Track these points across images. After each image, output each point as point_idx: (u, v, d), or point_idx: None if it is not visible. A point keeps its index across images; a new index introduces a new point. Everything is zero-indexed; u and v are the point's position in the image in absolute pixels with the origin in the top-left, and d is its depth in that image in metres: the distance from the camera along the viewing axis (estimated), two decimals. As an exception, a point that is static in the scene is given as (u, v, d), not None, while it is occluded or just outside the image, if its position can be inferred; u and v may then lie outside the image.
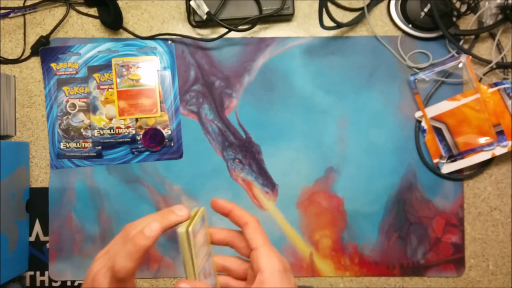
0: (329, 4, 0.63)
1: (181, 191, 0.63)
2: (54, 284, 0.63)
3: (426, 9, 0.60)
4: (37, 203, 0.63)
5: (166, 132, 0.63)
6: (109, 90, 0.63)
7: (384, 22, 0.63)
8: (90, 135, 0.63)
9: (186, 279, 0.36)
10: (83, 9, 0.64)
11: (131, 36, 0.63)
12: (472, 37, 0.62)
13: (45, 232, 0.63)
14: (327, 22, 0.59)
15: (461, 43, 0.62)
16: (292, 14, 0.62)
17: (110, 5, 0.59)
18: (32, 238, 0.63)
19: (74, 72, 0.63)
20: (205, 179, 0.63)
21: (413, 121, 0.62)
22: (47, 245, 0.63)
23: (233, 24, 0.60)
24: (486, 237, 0.62)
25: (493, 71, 0.62)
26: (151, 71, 0.63)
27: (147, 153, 0.63)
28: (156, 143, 0.62)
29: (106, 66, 0.63)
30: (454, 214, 0.62)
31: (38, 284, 0.63)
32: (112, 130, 0.63)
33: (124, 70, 0.63)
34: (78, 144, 0.63)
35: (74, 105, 0.63)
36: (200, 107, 0.63)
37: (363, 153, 0.62)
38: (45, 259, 0.63)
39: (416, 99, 0.62)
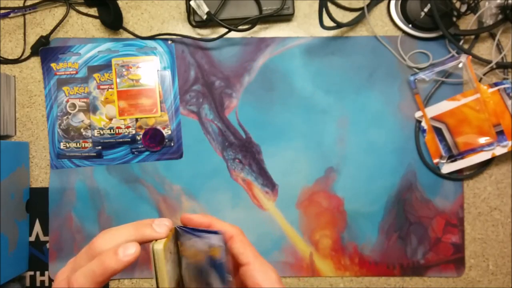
0: (329, 4, 0.63)
1: (181, 191, 0.63)
2: (54, 284, 0.63)
3: (426, 9, 0.60)
4: (37, 203, 0.63)
5: (166, 132, 0.63)
6: (109, 90, 0.63)
7: (384, 22, 0.63)
8: (90, 135, 0.63)
9: None
10: (83, 9, 0.64)
11: (131, 36, 0.63)
12: (472, 37, 0.62)
13: (45, 232, 0.63)
14: (327, 22, 0.59)
15: (461, 43, 0.62)
16: (292, 14, 0.62)
17: (110, 5, 0.59)
18: (32, 238, 0.63)
19: (74, 72, 0.63)
20: (205, 179, 0.63)
21: (413, 121, 0.62)
22: (47, 245, 0.63)
23: (233, 24, 0.60)
24: (486, 237, 0.62)
25: (493, 71, 0.62)
26: (151, 71, 0.63)
27: (147, 153, 0.63)
28: (156, 143, 0.62)
29: (106, 66, 0.63)
30: (454, 214, 0.62)
31: (38, 284, 0.63)
32: (112, 130, 0.63)
33: (124, 70, 0.63)
34: (78, 144, 0.63)
35: (74, 105, 0.63)
36: (200, 107, 0.63)
37: (363, 153, 0.62)
38: (45, 259, 0.63)
39: (416, 99, 0.62)
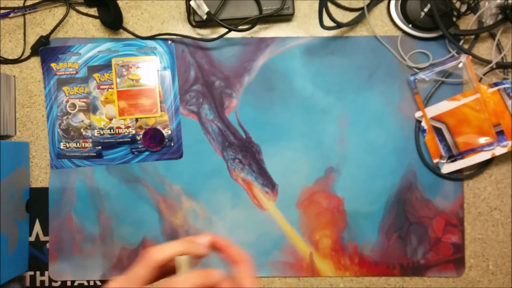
0: (329, 4, 0.63)
1: (181, 191, 0.63)
2: (54, 284, 0.63)
3: (426, 9, 0.60)
4: (37, 203, 0.63)
5: (166, 132, 0.63)
6: (109, 90, 0.63)
7: (384, 22, 0.63)
8: (90, 135, 0.63)
9: None
10: (83, 9, 0.64)
11: (131, 36, 0.63)
12: (472, 37, 0.62)
13: (45, 232, 0.63)
14: (327, 22, 0.59)
15: (461, 43, 0.62)
16: (292, 14, 0.62)
17: (110, 5, 0.59)
18: (32, 238, 0.63)
19: (74, 72, 0.63)
20: (205, 179, 0.63)
21: (413, 121, 0.62)
22: (47, 245, 0.63)
23: (233, 24, 0.60)
24: (486, 237, 0.62)
25: (493, 71, 0.62)
26: (151, 71, 0.63)
27: (147, 153, 0.63)
28: (156, 143, 0.62)
29: (106, 66, 0.63)
30: (454, 214, 0.62)
31: (38, 284, 0.63)
32: (112, 130, 0.63)
33: (124, 70, 0.63)
34: (78, 144, 0.63)
35: (74, 105, 0.63)
36: (200, 107, 0.63)
37: (363, 153, 0.62)
38: (45, 259, 0.63)
39: (416, 99, 0.62)
